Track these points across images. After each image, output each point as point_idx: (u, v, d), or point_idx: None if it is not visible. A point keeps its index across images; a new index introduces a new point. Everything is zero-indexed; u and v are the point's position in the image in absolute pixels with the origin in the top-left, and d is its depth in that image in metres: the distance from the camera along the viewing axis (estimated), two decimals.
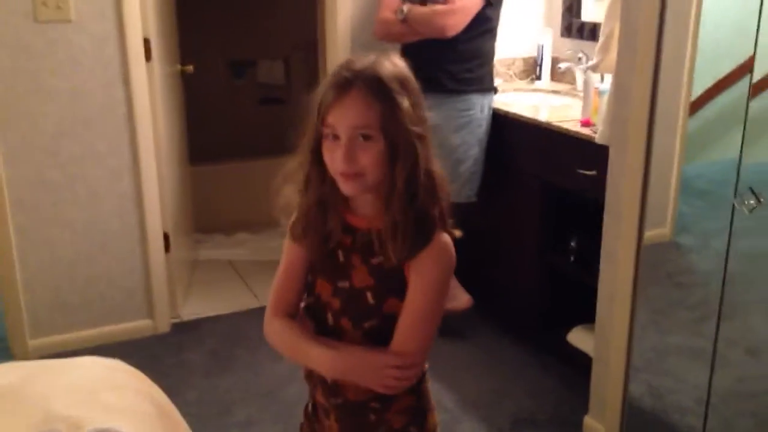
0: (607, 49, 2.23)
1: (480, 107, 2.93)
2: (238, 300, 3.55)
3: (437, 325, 1.33)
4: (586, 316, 2.80)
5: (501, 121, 2.99)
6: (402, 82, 1.26)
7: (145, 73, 2.95)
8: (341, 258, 1.35)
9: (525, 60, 3.53)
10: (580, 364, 2.70)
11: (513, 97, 3.24)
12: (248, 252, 4.13)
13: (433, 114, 3.06)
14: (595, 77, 2.58)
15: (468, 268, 3.28)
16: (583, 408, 2.54)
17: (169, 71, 3.35)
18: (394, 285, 1.31)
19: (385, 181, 1.26)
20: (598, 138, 2.35)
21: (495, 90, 3.03)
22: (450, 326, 3.12)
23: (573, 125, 2.67)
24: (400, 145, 1.24)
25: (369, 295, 1.32)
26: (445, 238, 1.31)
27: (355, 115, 1.22)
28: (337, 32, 3.22)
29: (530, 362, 2.98)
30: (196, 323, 3.34)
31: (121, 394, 1.65)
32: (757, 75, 2.05)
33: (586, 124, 2.62)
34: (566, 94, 3.24)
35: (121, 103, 2.94)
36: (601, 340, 2.44)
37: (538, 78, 3.44)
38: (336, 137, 1.25)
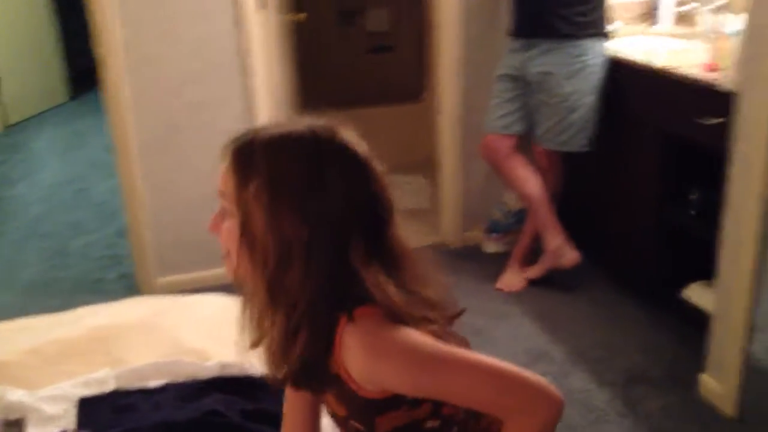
0: None
1: (594, 53, 2.82)
2: None
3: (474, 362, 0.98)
4: (703, 272, 2.69)
5: (617, 67, 2.87)
6: (279, 157, 1.00)
7: (260, 20, 3.01)
8: None
9: (644, 3, 3.35)
10: (696, 322, 2.61)
11: (631, 42, 3.09)
12: None
13: (545, 60, 2.96)
14: (721, 18, 2.42)
15: (581, 220, 3.24)
16: (699, 366, 2.46)
17: (283, 19, 3.40)
18: (362, 402, 1.04)
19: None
20: (727, 83, 2.22)
21: (609, 35, 2.91)
22: (560, 279, 3.09)
23: (696, 70, 2.52)
24: (253, 232, 1.00)
25: (354, 423, 1.10)
26: (355, 329, 0.99)
27: (219, 177, 1.06)
28: None
29: (644, 318, 2.91)
30: None
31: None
32: None
33: (711, 69, 2.47)
34: (689, 37, 3.06)
35: (235, 51, 3.02)
36: (722, 297, 2.34)
37: (658, 21, 3.27)
38: None
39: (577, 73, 2.79)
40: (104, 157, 5.03)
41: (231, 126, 3.31)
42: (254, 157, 1.00)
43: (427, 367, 0.95)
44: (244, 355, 1.58)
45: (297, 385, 1.06)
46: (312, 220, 0.97)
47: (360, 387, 1.00)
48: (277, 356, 1.04)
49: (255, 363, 1.55)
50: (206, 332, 1.67)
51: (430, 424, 1.07)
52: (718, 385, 2.38)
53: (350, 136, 1.05)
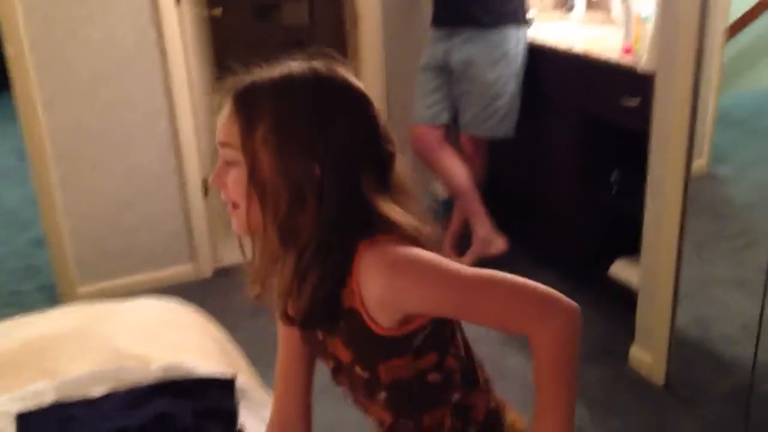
0: None
1: (515, 40, 2.88)
2: None
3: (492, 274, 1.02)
4: (627, 248, 2.80)
5: (537, 53, 2.94)
6: (285, 100, 0.99)
7: (175, 16, 2.92)
8: (319, 335, 1.11)
9: None
10: (623, 297, 2.71)
11: (547, 29, 3.17)
12: None
13: (468, 48, 2.98)
14: (635, 3, 2.51)
15: (508, 205, 3.30)
16: (629, 339, 2.56)
17: (198, 14, 3.32)
18: (370, 344, 1.03)
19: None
20: (643, 65, 2.30)
21: (529, 22, 2.97)
22: (491, 266, 3.13)
23: (614, 54, 2.61)
24: (262, 178, 0.99)
25: (358, 369, 1.08)
26: (371, 252, 0.99)
27: (220, 128, 1.02)
28: None
29: (572, 296, 2.98)
30: (238, 268, 3.37)
31: (183, 332, 1.69)
32: None
33: (627, 51, 2.56)
34: (602, 23, 3.16)
35: (153, 47, 2.93)
36: (647, 271, 2.43)
37: (572, 8, 3.36)
38: None
39: (499, 61, 2.84)
40: (13, 164, 4.80)
41: (149, 127, 3.25)
42: (258, 102, 0.98)
43: (447, 280, 0.98)
44: (186, 356, 1.54)
45: (310, 323, 1.06)
46: (322, 159, 0.97)
47: (374, 321, 1.00)
48: (290, 296, 1.03)
49: (198, 363, 1.52)
50: (144, 337, 1.61)
51: (432, 377, 1.07)
52: (647, 356, 2.47)
53: (346, 72, 1.04)
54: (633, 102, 2.47)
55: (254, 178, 0.98)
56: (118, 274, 3.14)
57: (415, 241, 1.00)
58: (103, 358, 1.52)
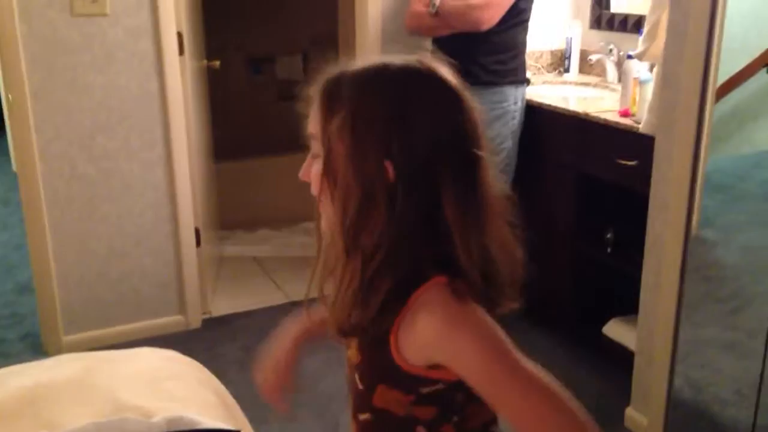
0: (653, 37, 2.22)
1: (513, 99, 2.92)
2: (266, 296, 3.53)
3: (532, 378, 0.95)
4: (621, 308, 2.79)
5: (535, 112, 2.99)
6: (367, 89, 0.95)
7: (178, 66, 2.94)
8: None
9: (553, 53, 3.53)
10: (617, 357, 2.69)
11: (543, 90, 3.23)
12: (272, 248, 4.12)
13: None
14: (633, 67, 2.57)
15: None
16: (623, 400, 2.53)
17: (198, 66, 3.34)
18: (383, 364, 0.99)
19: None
20: (643, 127, 2.34)
21: (528, 81, 3.02)
22: None
23: (611, 116, 2.66)
24: (335, 169, 0.95)
25: (357, 377, 1.05)
26: (438, 291, 0.94)
27: (309, 119, 1.00)
28: (367, 25, 3.21)
29: (565, 355, 2.97)
30: (226, 319, 3.33)
31: (182, 384, 1.64)
32: None
33: (625, 114, 2.61)
34: (596, 86, 3.23)
35: (155, 97, 2.93)
36: (644, 331, 2.43)
37: (567, 71, 3.43)
38: None
39: (497, 119, 2.88)
40: None
41: (146, 176, 3.23)
42: (341, 91, 0.95)
43: (498, 359, 0.93)
44: (188, 408, 1.50)
45: (358, 333, 1.00)
46: (396, 157, 0.92)
47: (398, 351, 0.96)
48: (347, 306, 0.97)
49: (201, 416, 1.47)
50: (144, 387, 1.57)
51: (419, 430, 1.02)
52: (644, 417, 2.45)
53: (443, 69, 0.98)
54: (630, 162, 2.50)
55: (328, 169, 0.95)
56: (105, 323, 3.07)
57: (475, 294, 0.95)
58: (102, 410, 1.47)
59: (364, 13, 3.21)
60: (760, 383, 2.21)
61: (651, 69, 2.53)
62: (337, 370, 2.86)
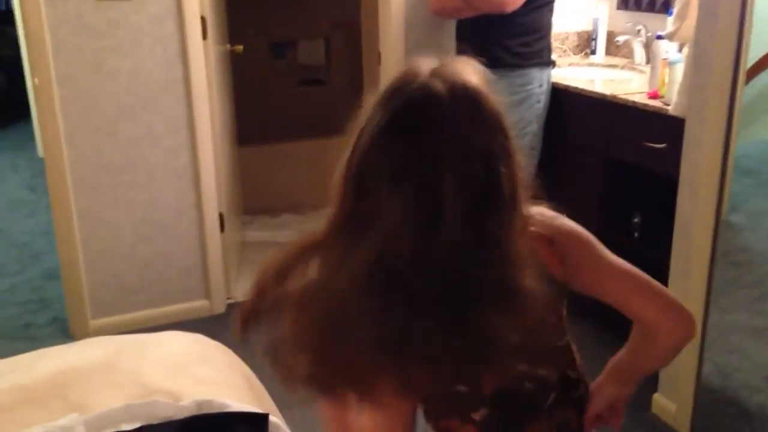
0: (684, 17, 2.18)
1: (539, 81, 2.89)
2: None
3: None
4: None
5: (560, 95, 2.95)
6: None
7: (202, 51, 2.94)
8: None
9: (579, 34, 3.48)
10: None
11: (569, 72, 3.19)
12: (294, 233, 4.09)
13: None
14: (662, 47, 2.52)
15: None
16: (651, 386, 2.51)
17: (221, 51, 3.34)
18: None
19: None
20: (673, 109, 2.30)
21: (553, 64, 2.98)
22: None
23: (639, 98, 2.62)
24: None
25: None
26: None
27: None
28: (389, 9, 3.18)
29: (594, 342, 2.94)
30: None
31: (211, 367, 1.65)
32: None
33: (653, 96, 2.56)
34: (624, 67, 3.18)
35: (179, 83, 2.93)
36: None
37: (593, 52, 3.39)
38: None
39: (522, 102, 2.85)
40: (24, 196, 4.78)
41: (170, 162, 3.24)
42: None
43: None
44: (217, 391, 1.50)
45: None
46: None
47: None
48: None
49: (230, 399, 1.48)
50: (173, 371, 1.57)
51: None
52: (672, 404, 2.42)
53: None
54: (659, 145, 2.46)
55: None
56: (131, 308, 3.09)
57: None
58: (131, 393, 1.47)
59: None
60: None
61: (680, 50, 2.49)
62: None
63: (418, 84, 0.89)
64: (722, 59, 2.00)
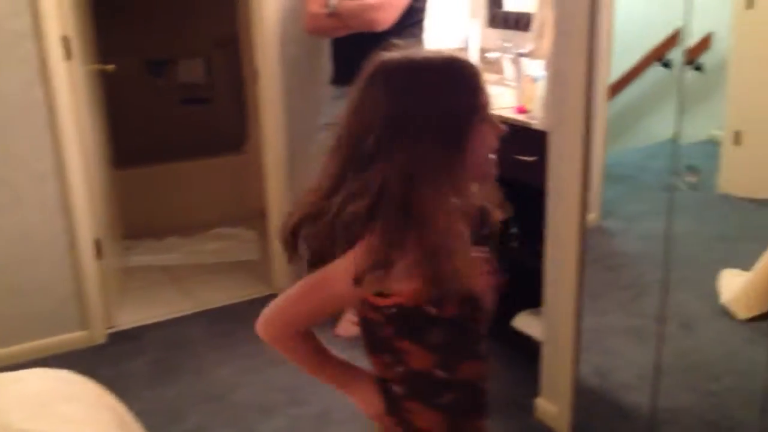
0: (541, 36, 2.27)
1: None
2: (175, 305, 3.44)
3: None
4: (530, 302, 2.85)
5: None
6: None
7: (65, 72, 2.82)
8: None
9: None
10: (527, 349, 2.75)
11: None
12: (181, 256, 4.01)
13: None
14: (526, 64, 2.63)
15: None
16: (534, 390, 2.58)
17: (90, 70, 3.22)
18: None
19: None
20: (538, 123, 2.39)
21: None
22: None
23: (508, 113, 2.71)
24: None
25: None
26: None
27: None
28: (263, 26, 3.17)
29: None
30: (134, 332, 3.22)
31: (77, 405, 1.58)
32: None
33: (521, 111, 2.66)
34: (496, 83, 3.28)
35: (41, 104, 2.80)
36: (549, 323, 2.48)
37: None
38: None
39: None
40: None
41: (36, 187, 3.08)
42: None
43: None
44: (84, 430, 1.44)
45: None
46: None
47: None
48: None
49: None
50: (37, 409, 1.49)
51: None
52: (554, 406, 2.50)
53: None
54: (530, 158, 2.55)
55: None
56: (2, 342, 2.92)
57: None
58: None
59: (261, 15, 3.17)
60: (657, 368, 2.30)
61: (547, 67, 2.59)
62: (253, 379, 2.81)
63: None
64: (576, 75, 2.10)
